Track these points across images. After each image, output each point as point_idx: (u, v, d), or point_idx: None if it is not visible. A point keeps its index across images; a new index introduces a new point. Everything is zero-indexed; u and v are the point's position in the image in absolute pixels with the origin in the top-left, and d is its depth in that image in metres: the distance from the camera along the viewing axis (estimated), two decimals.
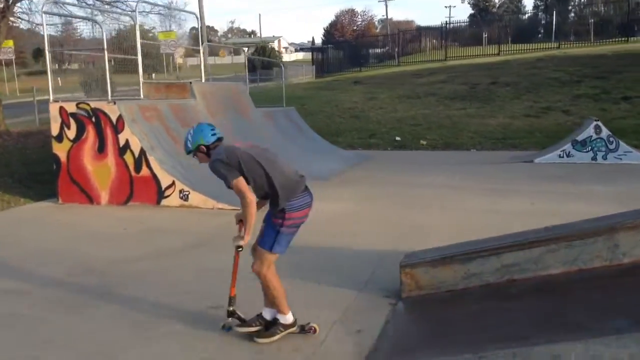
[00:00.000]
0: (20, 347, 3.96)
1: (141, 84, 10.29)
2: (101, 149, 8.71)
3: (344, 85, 24.16)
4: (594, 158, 11.83)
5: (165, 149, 8.94)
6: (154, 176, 8.53)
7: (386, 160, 13.37)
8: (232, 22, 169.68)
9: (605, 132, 11.78)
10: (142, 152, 8.53)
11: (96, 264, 5.77)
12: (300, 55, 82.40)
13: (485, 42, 34.91)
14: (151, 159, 8.51)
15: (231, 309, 4.07)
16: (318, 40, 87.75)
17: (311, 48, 55.49)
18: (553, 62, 23.13)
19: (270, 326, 4.01)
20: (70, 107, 8.83)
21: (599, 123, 11.85)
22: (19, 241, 6.84)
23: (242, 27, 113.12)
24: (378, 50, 40.85)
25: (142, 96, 10.16)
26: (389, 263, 5.51)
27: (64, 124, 8.84)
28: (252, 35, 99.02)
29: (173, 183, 8.47)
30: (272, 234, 3.85)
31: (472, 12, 66.55)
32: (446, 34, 34.53)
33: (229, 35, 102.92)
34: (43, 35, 9.29)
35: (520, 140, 14.85)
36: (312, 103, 20.07)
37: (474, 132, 15.99)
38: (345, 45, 43.96)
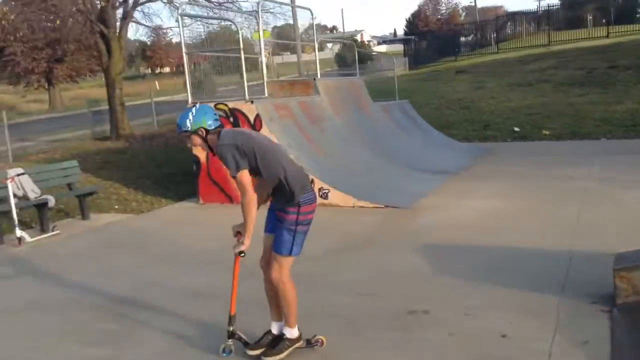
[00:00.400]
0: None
1: (265, 83, 10.28)
2: None
3: (446, 75, 23.51)
4: None
5: (300, 147, 8.87)
6: None
7: (510, 152, 12.74)
8: (314, 19, 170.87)
9: None
10: None
11: None
12: (383, 48, 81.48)
13: (591, 24, 32.99)
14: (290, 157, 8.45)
15: (231, 329, 3.78)
16: (400, 32, 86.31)
17: (402, 39, 54.69)
18: None
19: (276, 342, 3.76)
20: None
21: None
22: (181, 242, 6.93)
23: (322, 23, 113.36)
24: (468, 39, 39.66)
25: (266, 94, 10.16)
26: (579, 264, 5.12)
27: None
28: (335, 31, 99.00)
29: (312, 181, 8.32)
30: (289, 237, 3.60)
31: None
32: (547, 18, 32.92)
33: (310, 32, 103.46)
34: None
35: None
36: (417, 95, 19.61)
37: (599, 119, 14.96)
38: (433, 35, 43.02)
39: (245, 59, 13.13)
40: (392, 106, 13.60)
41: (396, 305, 4.48)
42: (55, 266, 6.34)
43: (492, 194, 8.50)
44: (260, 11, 10.92)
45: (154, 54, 70.35)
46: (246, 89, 8.87)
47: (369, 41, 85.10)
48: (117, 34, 14.48)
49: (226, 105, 8.85)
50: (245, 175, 3.49)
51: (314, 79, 10.83)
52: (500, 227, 6.74)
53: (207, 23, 13.01)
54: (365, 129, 11.27)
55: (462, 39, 39.30)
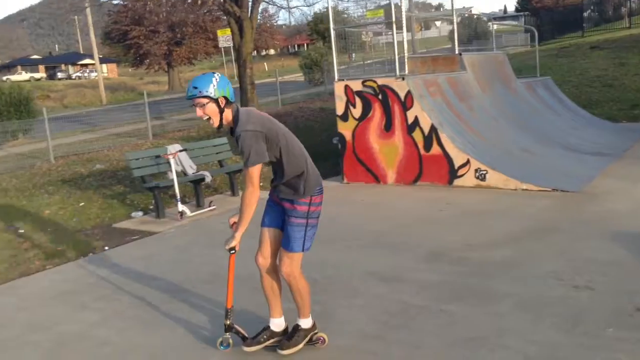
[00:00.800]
0: (447, 344, 3.60)
1: (406, 59, 9.82)
2: (388, 127, 8.44)
3: (578, 52, 21.85)
4: None
5: (451, 125, 8.40)
6: (446, 154, 8.02)
7: None
8: None
9: None
10: (433, 129, 8.07)
11: (444, 250, 5.36)
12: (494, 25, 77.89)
13: None
14: (442, 136, 8.02)
15: (228, 322, 3.66)
16: (510, 9, 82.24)
17: (513, 15, 52.05)
18: None
19: (291, 334, 3.62)
20: (356, 86, 8.67)
21: None
22: (340, 221, 6.69)
23: (427, 1, 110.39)
24: (586, 14, 37.06)
25: (406, 71, 9.73)
26: None
27: (349, 103, 8.72)
28: (442, 8, 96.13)
29: (467, 162, 7.89)
30: (300, 234, 3.42)
31: None
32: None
33: (415, 11, 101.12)
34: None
35: None
36: (552, 72, 18.30)
37: None
38: (550, 11, 40.62)
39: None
40: (534, 83, 12.70)
41: (620, 300, 3.96)
42: (221, 241, 6.34)
43: None
44: None
45: (260, 36, 71.70)
46: (397, 64, 8.48)
47: (478, 17, 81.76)
48: (250, 15, 14.57)
49: (375, 81, 8.52)
50: (258, 169, 3.27)
51: (460, 54, 10.25)
52: None
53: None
54: (513, 107, 10.56)
55: (585, 14, 36.73)
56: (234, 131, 3.33)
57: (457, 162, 7.97)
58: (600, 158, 9.06)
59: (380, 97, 8.46)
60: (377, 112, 8.51)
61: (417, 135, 8.22)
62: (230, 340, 3.72)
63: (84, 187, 9.40)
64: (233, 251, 3.55)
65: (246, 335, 3.70)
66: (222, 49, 39.15)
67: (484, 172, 7.77)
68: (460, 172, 7.96)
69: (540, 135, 9.92)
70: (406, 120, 8.28)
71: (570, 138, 10.35)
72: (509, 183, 7.58)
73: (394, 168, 8.49)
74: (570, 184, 7.39)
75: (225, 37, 32.20)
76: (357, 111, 8.69)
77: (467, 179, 7.90)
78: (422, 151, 8.21)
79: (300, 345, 3.59)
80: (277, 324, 3.68)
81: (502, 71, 11.46)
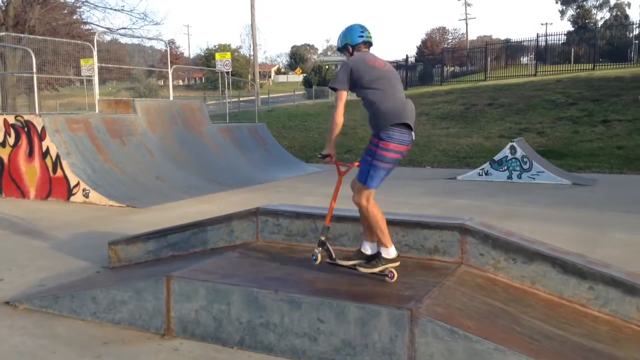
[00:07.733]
0: None
1: (96, 102, 12.07)
2: (30, 153, 10.57)
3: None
4: (510, 177, 12.22)
5: (83, 154, 10.60)
6: (65, 176, 10.21)
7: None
8: (328, 41, 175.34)
9: (520, 152, 12.14)
10: (58, 156, 10.25)
11: None
12: None
13: (573, 60, 33.21)
14: (64, 162, 10.21)
15: (323, 238, 4.04)
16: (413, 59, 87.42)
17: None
18: (566, 84, 22.47)
19: (372, 258, 3.94)
20: (11, 119, 10.77)
21: (514, 144, 12.23)
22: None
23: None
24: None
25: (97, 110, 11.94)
26: None
27: (7, 133, 10.79)
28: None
29: (78, 183, 10.09)
30: (365, 168, 3.83)
31: (572, 29, 60.80)
32: (486, 52, 34.00)
33: (329, 53, 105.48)
34: None
35: (476, 160, 15.22)
36: (312, 122, 21.35)
37: (441, 150, 16.55)
38: (425, 63, 42.96)
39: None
40: (238, 127, 15.38)
41: None
42: None
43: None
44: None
45: None
46: (37, 105, 10.68)
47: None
48: None
49: (22, 117, 10.67)
50: (341, 94, 3.80)
51: (133, 100, 12.65)
52: None
53: None
54: (184, 145, 12.99)
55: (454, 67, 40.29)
56: None
57: (72, 183, 10.19)
58: (217, 186, 11.60)
59: (25, 129, 10.61)
60: (24, 141, 10.64)
61: (49, 161, 10.40)
62: (319, 255, 4.05)
63: None
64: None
65: (333, 254, 4.03)
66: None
67: (88, 191, 10.02)
68: (74, 191, 10.18)
69: (194, 167, 12.39)
70: (41, 148, 10.45)
71: (222, 171, 12.87)
72: (102, 200, 9.86)
73: (34, 186, 10.60)
74: (144, 203, 9.74)
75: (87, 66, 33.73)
76: (12, 140, 10.78)
77: (78, 196, 10.13)
78: (51, 173, 10.39)
79: (376, 270, 3.86)
80: (370, 246, 3.98)
81: (191, 116, 13.96)
